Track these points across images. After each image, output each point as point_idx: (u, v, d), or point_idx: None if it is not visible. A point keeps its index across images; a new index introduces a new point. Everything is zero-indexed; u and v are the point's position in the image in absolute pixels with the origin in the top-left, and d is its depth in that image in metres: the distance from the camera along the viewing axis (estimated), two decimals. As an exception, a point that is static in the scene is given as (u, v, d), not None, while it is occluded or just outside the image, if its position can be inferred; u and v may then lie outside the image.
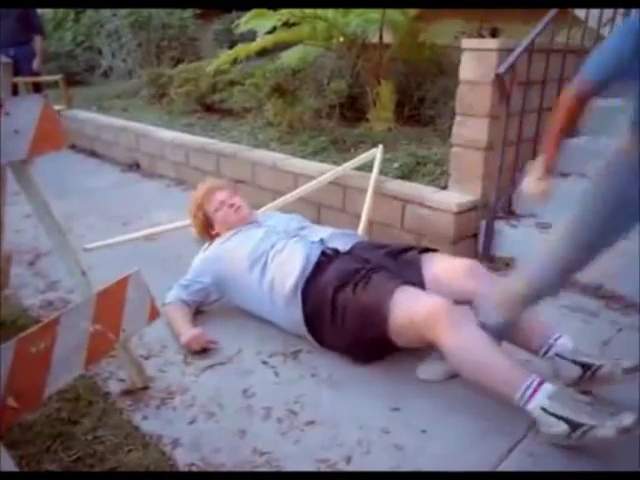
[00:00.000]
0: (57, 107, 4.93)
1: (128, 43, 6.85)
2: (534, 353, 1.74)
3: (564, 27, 2.72)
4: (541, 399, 1.45)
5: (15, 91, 4.89)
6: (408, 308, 1.71)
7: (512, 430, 1.55)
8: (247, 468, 1.46)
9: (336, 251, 2.03)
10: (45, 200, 1.53)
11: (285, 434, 1.58)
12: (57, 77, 5.79)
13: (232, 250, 2.14)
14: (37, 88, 5.66)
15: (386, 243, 2.16)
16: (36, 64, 5.68)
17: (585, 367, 1.63)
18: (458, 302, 1.73)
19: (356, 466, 1.46)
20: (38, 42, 5.72)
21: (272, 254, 2.04)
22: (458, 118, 2.67)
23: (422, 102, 3.99)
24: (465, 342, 1.60)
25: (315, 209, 3.13)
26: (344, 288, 1.84)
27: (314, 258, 1.97)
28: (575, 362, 1.65)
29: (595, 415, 1.41)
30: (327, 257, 1.99)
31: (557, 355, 1.69)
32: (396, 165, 3.12)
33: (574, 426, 1.40)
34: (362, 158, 3.10)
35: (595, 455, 1.45)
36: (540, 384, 1.48)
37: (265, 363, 1.91)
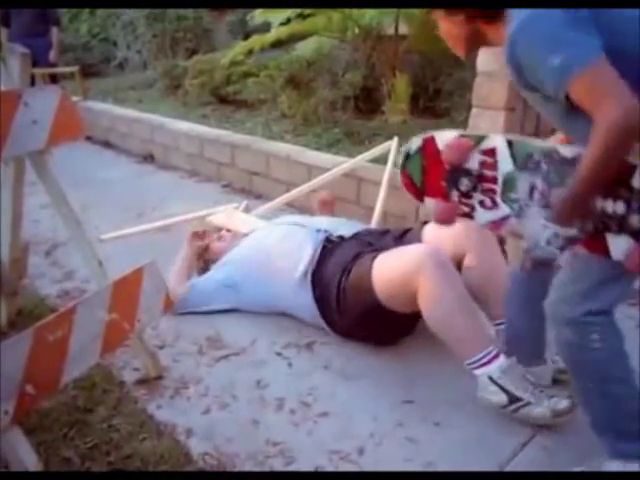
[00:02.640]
0: (73, 98, 4.97)
1: (143, 35, 6.87)
2: (489, 317, 1.81)
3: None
4: (492, 369, 1.53)
5: (32, 82, 4.92)
6: (392, 262, 1.73)
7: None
8: (260, 458, 1.47)
9: (341, 237, 2.05)
10: (62, 190, 1.54)
11: (298, 425, 1.59)
12: (73, 68, 5.83)
13: (235, 253, 2.19)
14: (53, 79, 5.69)
15: (389, 229, 2.17)
16: (53, 55, 5.71)
17: None
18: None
19: (369, 458, 1.47)
20: (55, 33, 5.75)
21: (278, 243, 2.07)
22: (474, 110, 2.63)
23: (438, 94, 3.95)
24: (442, 290, 1.59)
25: (329, 201, 3.13)
26: (345, 271, 1.86)
27: (320, 244, 2.00)
28: None
29: (535, 395, 1.50)
30: (332, 243, 2.02)
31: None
32: (411, 158, 3.09)
33: (512, 399, 1.50)
34: (377, 150, 3.08)
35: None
36: (496, 356, 1.54)
37: (279, 354, 1.91)
